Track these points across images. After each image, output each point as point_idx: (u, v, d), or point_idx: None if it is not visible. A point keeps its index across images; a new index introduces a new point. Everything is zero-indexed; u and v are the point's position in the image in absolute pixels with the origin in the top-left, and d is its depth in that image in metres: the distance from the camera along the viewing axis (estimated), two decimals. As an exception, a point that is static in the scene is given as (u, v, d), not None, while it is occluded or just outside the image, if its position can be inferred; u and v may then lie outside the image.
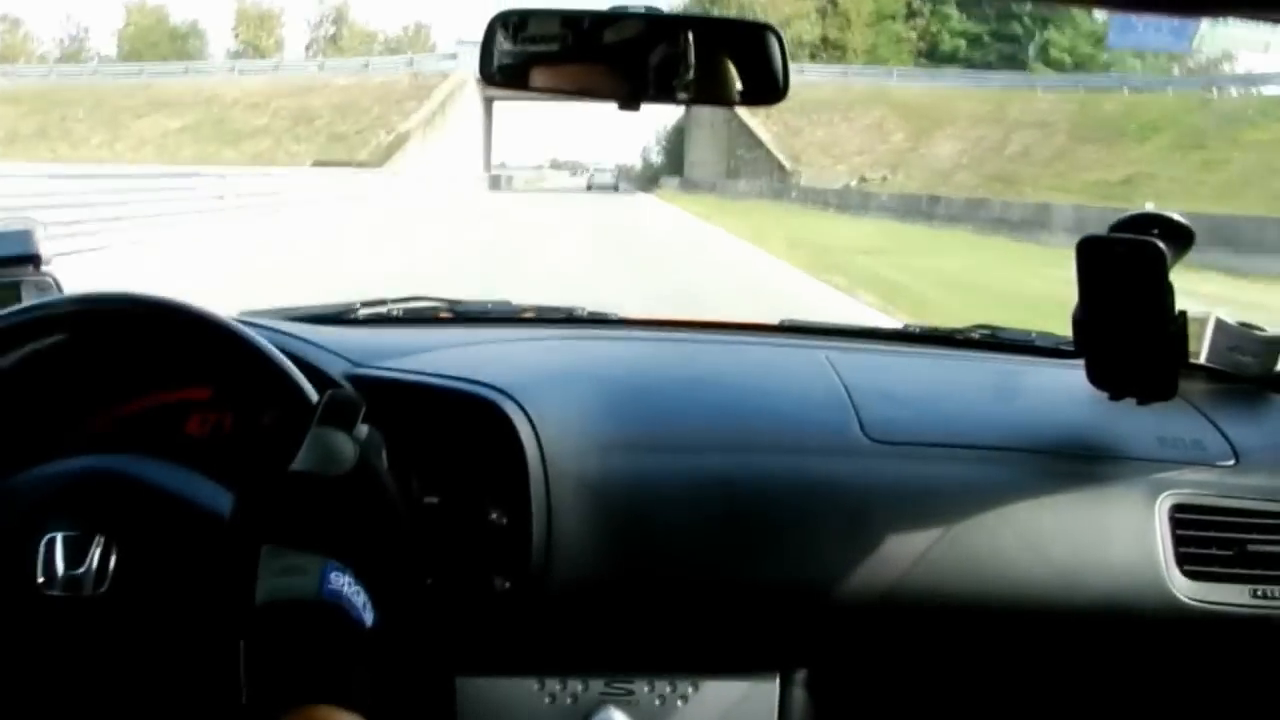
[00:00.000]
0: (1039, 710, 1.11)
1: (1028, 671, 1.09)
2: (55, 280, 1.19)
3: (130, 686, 0.86)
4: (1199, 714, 1.11)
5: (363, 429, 0.84)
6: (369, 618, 0.76)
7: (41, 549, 0.84)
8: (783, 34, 0.95)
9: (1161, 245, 1.01)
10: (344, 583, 0.75)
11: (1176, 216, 1.04)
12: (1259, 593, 1.03)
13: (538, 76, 0.96)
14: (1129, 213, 1.08)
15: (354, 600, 0.75)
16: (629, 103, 0.97)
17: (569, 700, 1.03)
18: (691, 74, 0.92)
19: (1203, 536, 1.04)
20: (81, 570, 0.83)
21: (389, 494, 0.83)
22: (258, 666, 0.72)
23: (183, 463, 0.93)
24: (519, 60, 0.95)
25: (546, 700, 1.03)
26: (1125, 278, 1.03)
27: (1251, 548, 1.04)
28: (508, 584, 1.01)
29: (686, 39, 0.92)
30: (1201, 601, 1.03)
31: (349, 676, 0.73)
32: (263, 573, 0.75)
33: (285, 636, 0.73)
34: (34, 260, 1.19)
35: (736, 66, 0.96)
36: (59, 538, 0.84)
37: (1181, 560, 1.03)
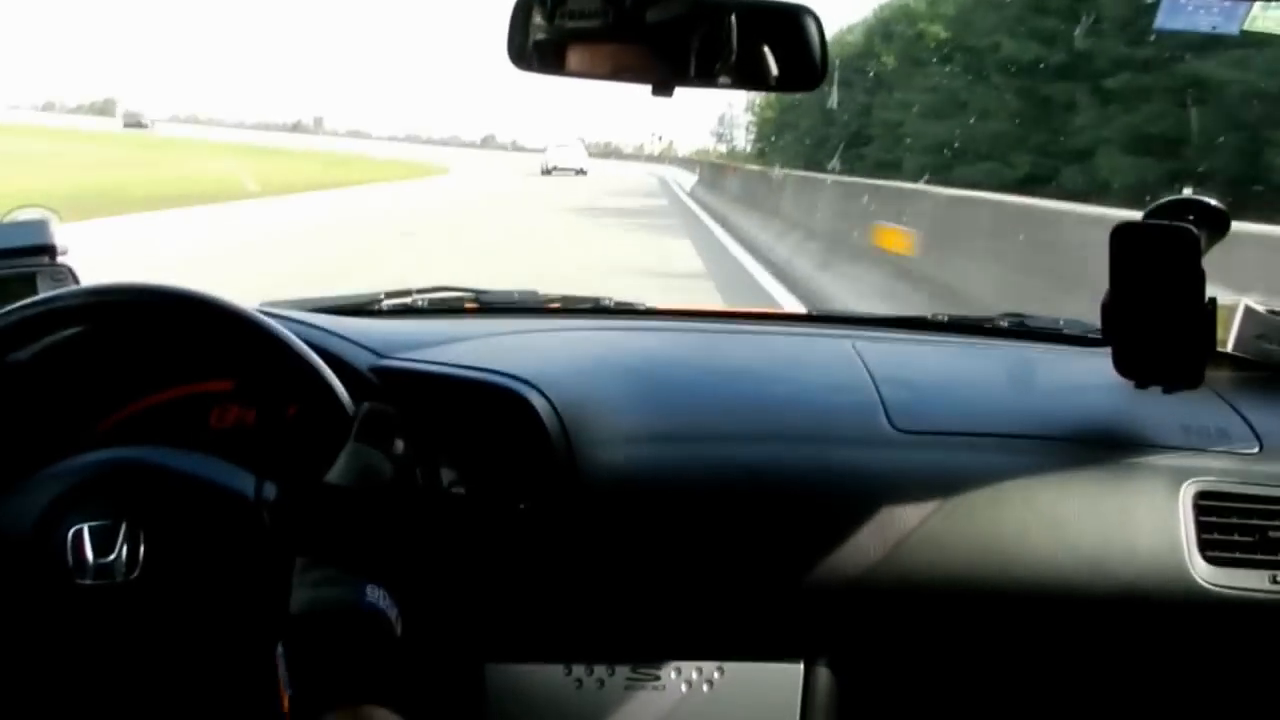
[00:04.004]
0: (1060, 695, 1.12)
1: (1050, 657, 1.09)
2: (71, 271, 1.17)
3: (166, 669, 0.88)
4: (1218, 698, 1.12)
5: (399, 444, 0.86)
6: (399, 628, 0.79)
7: (69, 540, 0.85)
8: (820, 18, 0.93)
9: (1196, 232, 1.01)
10: (379, 596, 0.78)
11: (1213, 202, 1.04)
12: (1279, 579, 1.04)
13: (573, 60, 0.94)
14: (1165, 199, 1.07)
15: (389, 613, 0.78)
16: (663, 88, 0.95)
17: (596, 685, 1.03)
18: (732, 58, 0.91)
19: (1225, 523, 1.05)
20: (112, 558, 0.85)
21: (423, 509, 0.86)
22: (300, 670, 0.75)
23: (204, 452, 0.93)
24: (555, 40, 0.93)
25: (574, 686, 1.04)
26: (1158, 264, 1.03)
27: (1273, 534, 1.05)
28: (535, 572, 1.01)
29: (727, 21, 0.91)
30: (1222, 587, 1.04)
31: (386, 678, 0.76)
32: (300, 582, 0.78)
33: (326, 643, 0.76)
34: (49, 251, 1.17)
35: (773, 50, 0.94)
36: (85, 528, 0.85)
37: (1204, 546, 1.04)
